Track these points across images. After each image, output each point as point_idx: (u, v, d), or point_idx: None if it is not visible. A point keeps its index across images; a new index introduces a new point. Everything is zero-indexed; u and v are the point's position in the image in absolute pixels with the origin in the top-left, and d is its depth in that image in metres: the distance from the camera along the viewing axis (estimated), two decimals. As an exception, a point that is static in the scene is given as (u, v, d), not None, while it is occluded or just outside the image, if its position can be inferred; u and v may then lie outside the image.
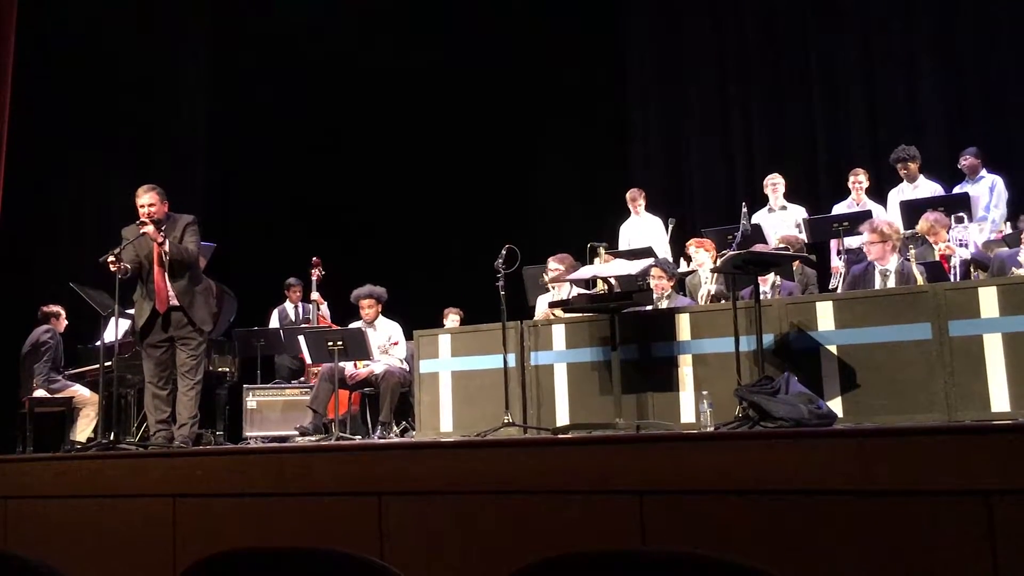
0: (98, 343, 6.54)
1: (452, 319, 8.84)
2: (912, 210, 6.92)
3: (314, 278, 8.62)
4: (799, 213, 7.91)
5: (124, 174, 8.68)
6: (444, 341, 6.06)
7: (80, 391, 7.40)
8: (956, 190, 7.49)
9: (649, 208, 8.68)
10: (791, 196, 8.25)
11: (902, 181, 7.76)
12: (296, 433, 6.99)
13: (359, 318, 7.52)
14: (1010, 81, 8.96)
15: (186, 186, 10.26)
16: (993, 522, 2.84)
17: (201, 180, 10.31)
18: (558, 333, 5.67)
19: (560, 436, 4.65)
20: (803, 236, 7.20)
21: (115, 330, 6.03)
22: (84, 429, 7.23)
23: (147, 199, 5.54)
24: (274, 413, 7.64)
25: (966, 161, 7.54)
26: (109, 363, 6.04)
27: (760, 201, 8.13)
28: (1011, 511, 2.82)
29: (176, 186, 10.10)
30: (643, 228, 8.53)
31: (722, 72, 10.54)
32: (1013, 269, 5.38)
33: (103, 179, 9.03)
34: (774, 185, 7.99)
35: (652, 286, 6.01)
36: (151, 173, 9.89)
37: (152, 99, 9.76)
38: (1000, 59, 9.05)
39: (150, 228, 5.38)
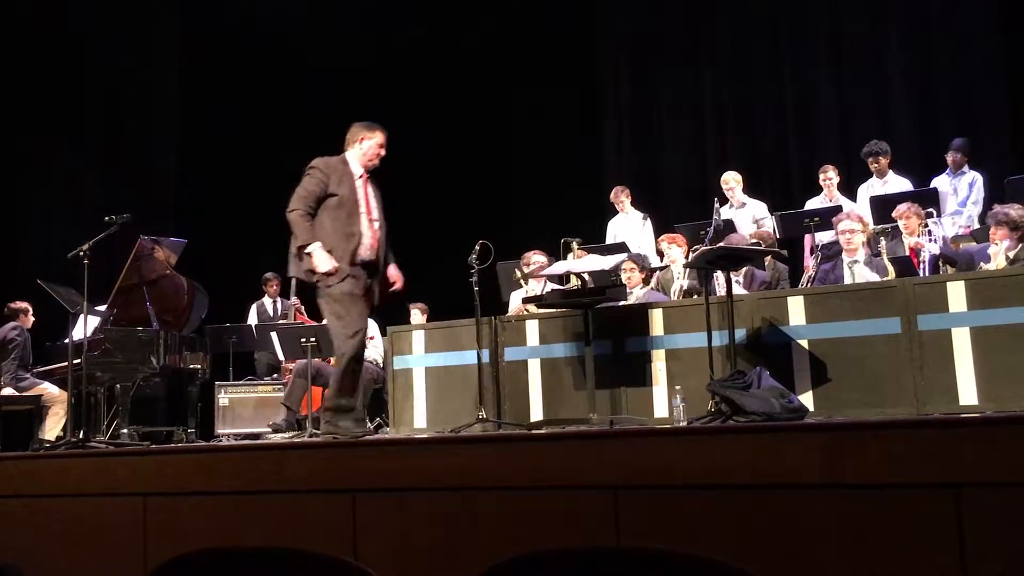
0: (67, 340, 6.46)
1: (415, 315, 8.80)
2: (882, 205, 6.99)
3: None
4: (756, 208, 7.97)
5: (93, 168, 8.57)
6: (417, 337, 6.05)
7: (49, 389, 7.30)
8: (935, 181, 7.58)
9: (635, 204, 8.71)
10: (764, 193, 8.30)
11: (872, 177, 7.83)
12: (269, 430, 6.95)
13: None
14: (979, 79, 9.06)
15: (157, 179, 10.18)
16: (961, 515, 2.87)
17: (172, 173, 10.21)
18: (531, 329, 5.67)
19: (534, 432, 4.64)
20: (768, 229, 7.26)
21: (84, 327, 5.95)
22: (53, 427, 7.15)
23: (384, 141, 5.19)
24: (246, 410, 7.60)
25: (955, 155, 7.58)
26: (78, 361, 5.97)
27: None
28: (979, 504, 2.85)
29: (147, 179, 10.04)
30: (630, 224, 8.56)
31: (695, 70, 10.60)
32: (981, 264, 5.45)
33: (72, 174, 8.91)
34: (727, 184, 8.06)
35: (624, 279, 6.04)
36: (121, 166, 9.80)
37: (121, 92, 9.64)
38: (969, 57, 9.15)
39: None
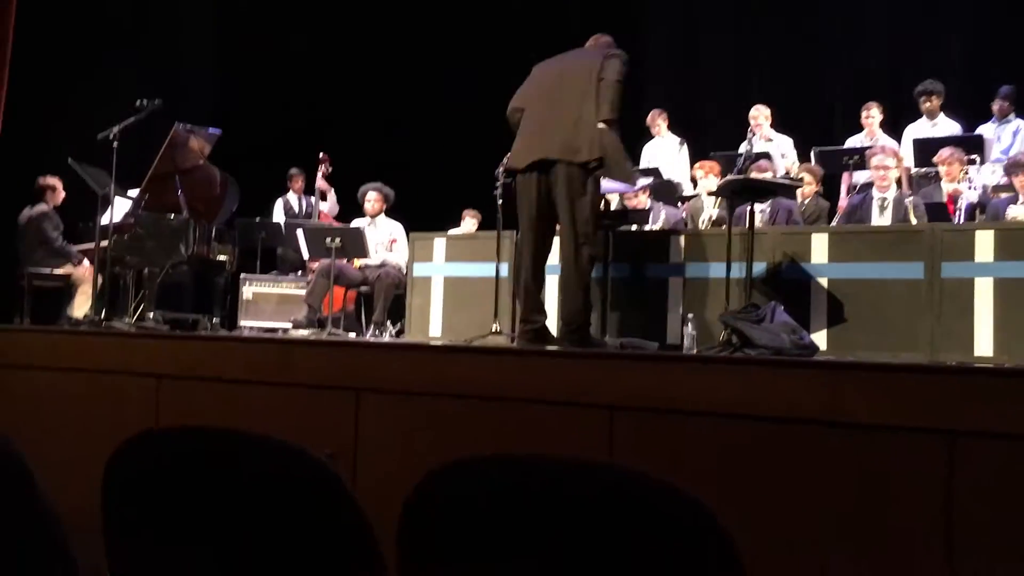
0: (103, 222, 6.55)
1: (469, 221, 8.78)
2: (925, 148, 6.82)
3: (320, 174, 8.58)
4: (782, 144, 7.77)
5: (127, 54, 8.54)
6: (439, 245, 6.07)
7: (80, 267, 7.47)
8: (980, 129, 7.36)
9: (672, 128, 8.55)
10: (803, 127, 8.12)
11: (921, 117, 7.61)
12: (290, 326, 7.06)
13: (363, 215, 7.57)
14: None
15: (196, 70, 10.16)
16: (953, 461, 2.87)
17: (210, 62, 10.16)
18: (552, 246, 5.65)
19: (535, 348, 4.66)
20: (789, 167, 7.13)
21: (111, 210, 6.04)
22: (82, 306, 7.32)
23: None
24: (269, 305, 7.71)
25: (1002, 103, 7.34)
26: (105, 243, 6.07)
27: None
28: (972, 452, 2.84)
29: (185, 73, 10.03)
30: (665, 149, 8.42)
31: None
32: (1009, 214, 5.34)
33: (114, 56, 8.91)
34: (755, 119, 7.81)
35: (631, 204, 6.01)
36: (157, 55, 9.78)
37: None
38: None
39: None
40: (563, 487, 1.23)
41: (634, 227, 5.78)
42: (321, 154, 8.62)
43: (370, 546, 1.30)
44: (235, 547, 1.29)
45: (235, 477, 1.32)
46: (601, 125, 4.62)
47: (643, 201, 6.39)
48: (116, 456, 1.45)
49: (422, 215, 7.59)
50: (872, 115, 7.57)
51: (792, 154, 7.69)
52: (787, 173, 7.18)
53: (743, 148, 6.73)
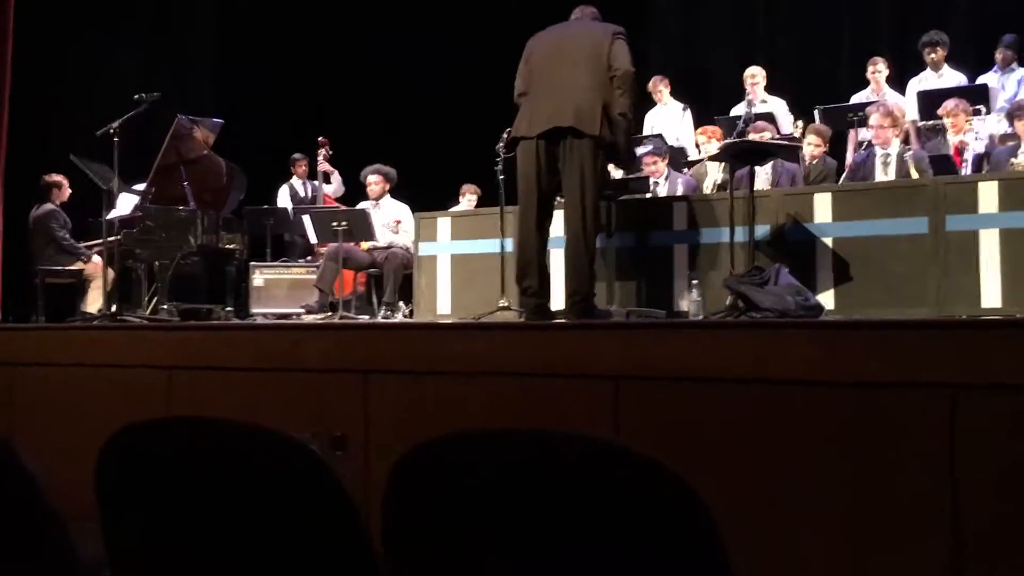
0: (110, 216, 6.59)
1: (469, 198, 8.76)
2: (929, 100, 6.75)
3: (320, 157, 8.58)
4: (776, 107, 7.69)
5: (132, 40, 8.53)
6: (444, 224, 6.08)
7: (95, 262, 7.54)
8: (982, 79, 7.26)
9: (675, 95, 8.47)
10: (814, 86, 8.02)
11: (925, 69, 7.52)
12: (302, 311, 7.10)
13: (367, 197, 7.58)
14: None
15: (196, 59, 10.16)
16: (955, 417, 2.87)
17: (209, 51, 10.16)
18: (555, 219, 5.65)
19: (542, 322, 4.67)
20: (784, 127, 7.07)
21: (114, 204, 6.08)
22: (95, 301, 7.38)
23: None
24: (280, 291, 7.75)
25: (1005, 52, 7.25)
26: (113, 237, 6.12)
27: (772, 89, 7.91)
28: (974, 406, 2.84)
29: (186, 61, 10.04)
30: (668, 116, 8.35)
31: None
32: (1012, 162, 5.29)
33: (114, 49, 8.92)
34: (752, 76, 7.66)
35: (647, 172, 5.99)
36: (161, 42, 9.80)
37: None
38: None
39: None
40: (540, 461, 1.24)
41: (648, 195, 5.77)
42: (320, 138, 8.62)
43: (359, 536, 1.31)
44: (222, 536, 1.32)
45: (222, 466, 1.34)
46: (619, 116, 4.69)
47: (661, 169, 6.38)
48: (106, 447, 1.48)
49: (420, 194, 7.60)
50: (879, 70, 7.46)
51: (787, 118, 7.59)
52: (791, 133, 7.12)
53: (740, 111, 6.68)
